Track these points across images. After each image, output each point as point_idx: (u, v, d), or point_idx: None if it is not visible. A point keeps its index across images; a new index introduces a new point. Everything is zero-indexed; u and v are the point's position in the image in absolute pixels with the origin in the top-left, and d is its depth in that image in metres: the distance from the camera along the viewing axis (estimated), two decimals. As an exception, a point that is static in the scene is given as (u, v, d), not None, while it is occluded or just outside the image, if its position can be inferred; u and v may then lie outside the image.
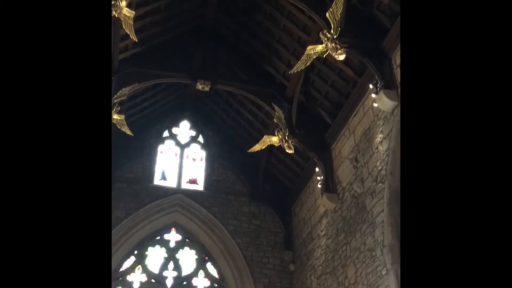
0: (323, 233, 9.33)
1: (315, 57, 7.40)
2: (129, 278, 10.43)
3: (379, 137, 7.43)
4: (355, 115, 8.40)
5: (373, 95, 7.31)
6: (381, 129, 7.40)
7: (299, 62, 7.56)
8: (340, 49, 7.01)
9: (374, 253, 7.09)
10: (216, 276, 10.90)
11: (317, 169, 9.35)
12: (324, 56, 7.33)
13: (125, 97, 8.65)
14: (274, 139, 9.06)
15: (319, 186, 9.22)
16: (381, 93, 6.99)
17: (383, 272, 6.72)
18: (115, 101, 8.13)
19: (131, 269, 10.55)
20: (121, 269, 10.48)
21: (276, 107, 9.15)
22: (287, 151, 9.09)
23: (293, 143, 8.98)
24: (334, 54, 7.08)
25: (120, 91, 8.38)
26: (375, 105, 7.39)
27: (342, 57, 7.16)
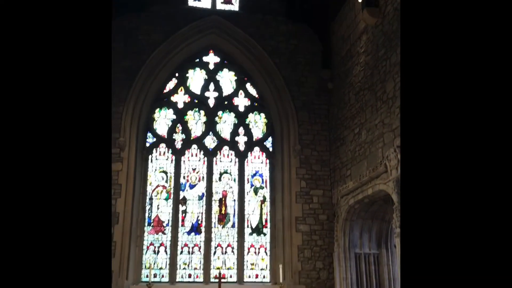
0: (362, 50, 9.18)
1: None
2: (173, 99, 10.94)
3: None
4: None
5: None
6: None
7: None
8: None
9: (414, 67, 7.00)
10: (256, 95, 11.25)
11: (358, -18, 8.79)
12: None
13: None
14: (312, -50, 8.38)
15: (360, 0, 8.77)
16: None
17: (423, 85, 6.71)
18: None
19: (174, 91, 10.99)
20: (165, 91, 10.94)
21: None
22: (326, -38, 8.47)
23: (333, -47, 8.31)
24: None
25: None
26: None
27: None
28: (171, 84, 11.02)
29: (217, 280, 8.23)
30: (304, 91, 10.97)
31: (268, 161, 10.94)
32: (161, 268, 9.98)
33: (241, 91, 11.23)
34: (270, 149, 10.99)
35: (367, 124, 8.72)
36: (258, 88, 11.24)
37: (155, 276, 9.81)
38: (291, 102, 10.85)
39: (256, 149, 10.97)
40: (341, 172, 9.93)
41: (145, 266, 9.88)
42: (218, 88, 11.15)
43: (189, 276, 10.01)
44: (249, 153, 10.91)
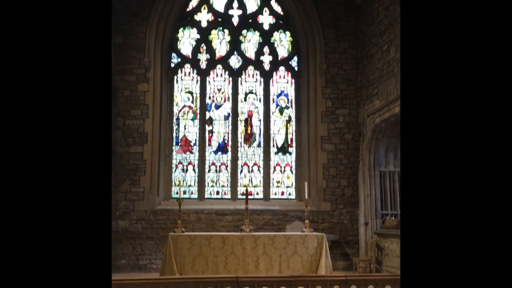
0: (394, -39, 8.67)
1: None
2: (196, 17, 10.72)
3: None
4: None
5: None
6: None
7: None
8: None
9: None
10: (281, 12, 10.91)
11: None
12: None
13: None
14: None
15: None
16: None
17: None
18: None
19: (197, 9, 10.74)
20: (188, 9, 10.71)
21: None
22: None
23: None
24: None
25: None
26: None
27: None
28: (194, 2, 10.75)
29: (244, 197, 8.50)
30: (331, 6, 10.57)
31: (293, 80, 10.83)
32: (190, 186, 10.34)
33: (265, 8, 10.90)
34: (296, 69, 10.84)
35: (396, 41, 8.45)
36: (283, 4, 10.87)
37: (184, 193, 10.18)
38: (317, 19, 10.51)
39: (281, 68, 10.83)
40: (367, 91, 9.80)
41: (175, 184, 10.24)
42: (242, 6, 10.84)
43: (217, 193, 10.37)
44: (274, 72, 10.80)
